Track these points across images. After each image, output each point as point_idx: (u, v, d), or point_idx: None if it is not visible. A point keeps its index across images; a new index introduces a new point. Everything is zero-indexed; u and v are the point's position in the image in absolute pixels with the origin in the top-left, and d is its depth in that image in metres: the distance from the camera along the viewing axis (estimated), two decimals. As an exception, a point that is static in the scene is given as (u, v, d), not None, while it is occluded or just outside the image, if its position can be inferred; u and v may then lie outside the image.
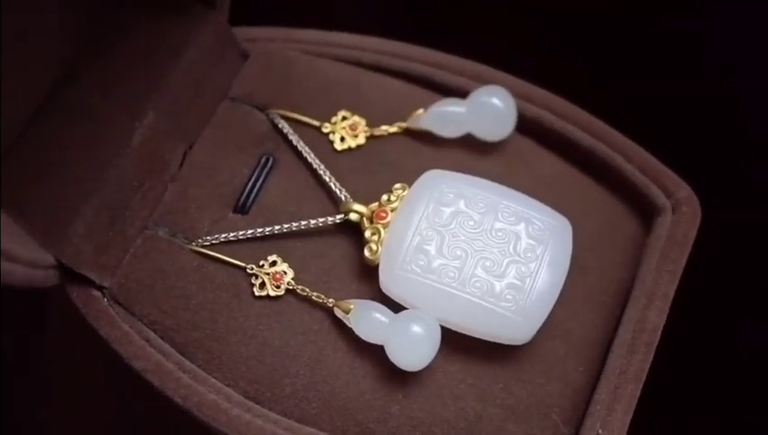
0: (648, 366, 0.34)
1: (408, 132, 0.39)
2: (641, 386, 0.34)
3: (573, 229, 0.36)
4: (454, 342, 0.35)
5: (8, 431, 0.42)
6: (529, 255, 0.35)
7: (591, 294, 0.37)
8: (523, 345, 0.35)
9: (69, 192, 0.36)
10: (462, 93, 0.39)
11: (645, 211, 0.38)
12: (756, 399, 0.37)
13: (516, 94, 0.39)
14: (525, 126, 0.39)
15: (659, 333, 0.35)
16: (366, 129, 0.39)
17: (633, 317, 0.35)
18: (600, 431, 0.33)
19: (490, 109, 0.38)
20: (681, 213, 0.37)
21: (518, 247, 0.35)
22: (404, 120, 0.39)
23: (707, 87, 0.39)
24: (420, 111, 0.38)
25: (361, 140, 0.39)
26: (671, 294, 0.35)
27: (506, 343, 0.35)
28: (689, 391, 0.39)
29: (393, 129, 0.39)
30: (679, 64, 0.40)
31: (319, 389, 0.35)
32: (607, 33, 0.43)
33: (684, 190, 0.37)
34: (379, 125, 0.39)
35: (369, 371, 0.35)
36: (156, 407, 0.34)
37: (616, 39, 0.43)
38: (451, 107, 0.38)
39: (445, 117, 0.38)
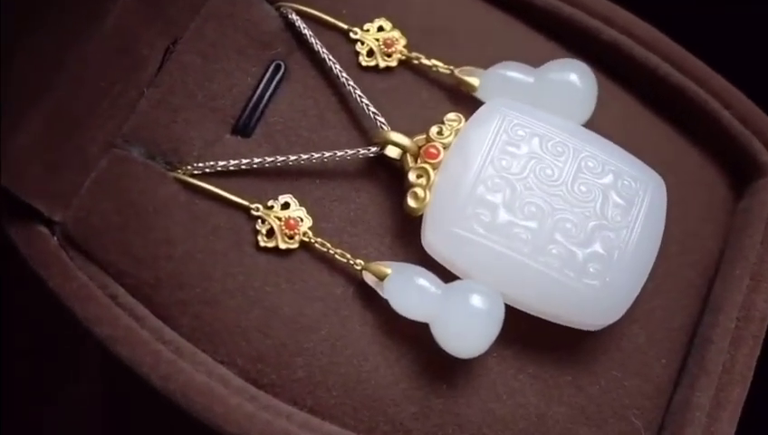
0: (754, 363, 0.28)
1: (451, 75, 0.31)
2: (748, 388, 0.28)
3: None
4: (512, 321, 0.28)
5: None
6: (618, 219, 0.28)
7: (674, 268, 0.30)
8: (595, 330, 0.28)
9: (13, 91, 0.27)
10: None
11: (741, 170, 0.32)
12: None
13: (593, 14, 0.32)
14: (599, 53, 0.32)
15: (767, 323, 0.28)
16: (403, 50, 0.31)
17: (736, 301, 0.29)
18: (701, 445, 0.27)
19: (565, 87, 0.29)
20: (788, 176, 0.31)
21: (605, 208, 0.28)
22: (455, 50, 0.31)
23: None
24: (477, 69, 0.30)
25: (393, 62, 0.31)
26: (779, 276, 0.29)
27: (583, 327, 0.28)
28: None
29: (438, 65, 0.31)
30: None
31: (341, 372, 0.28)
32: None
33: (792, 148, 0.31)
34: (419, 50, 0.31)
35: (406, 352, 0.29)
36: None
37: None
38: (514, 72, 0.30)
39: (505, 83, 0.30)
